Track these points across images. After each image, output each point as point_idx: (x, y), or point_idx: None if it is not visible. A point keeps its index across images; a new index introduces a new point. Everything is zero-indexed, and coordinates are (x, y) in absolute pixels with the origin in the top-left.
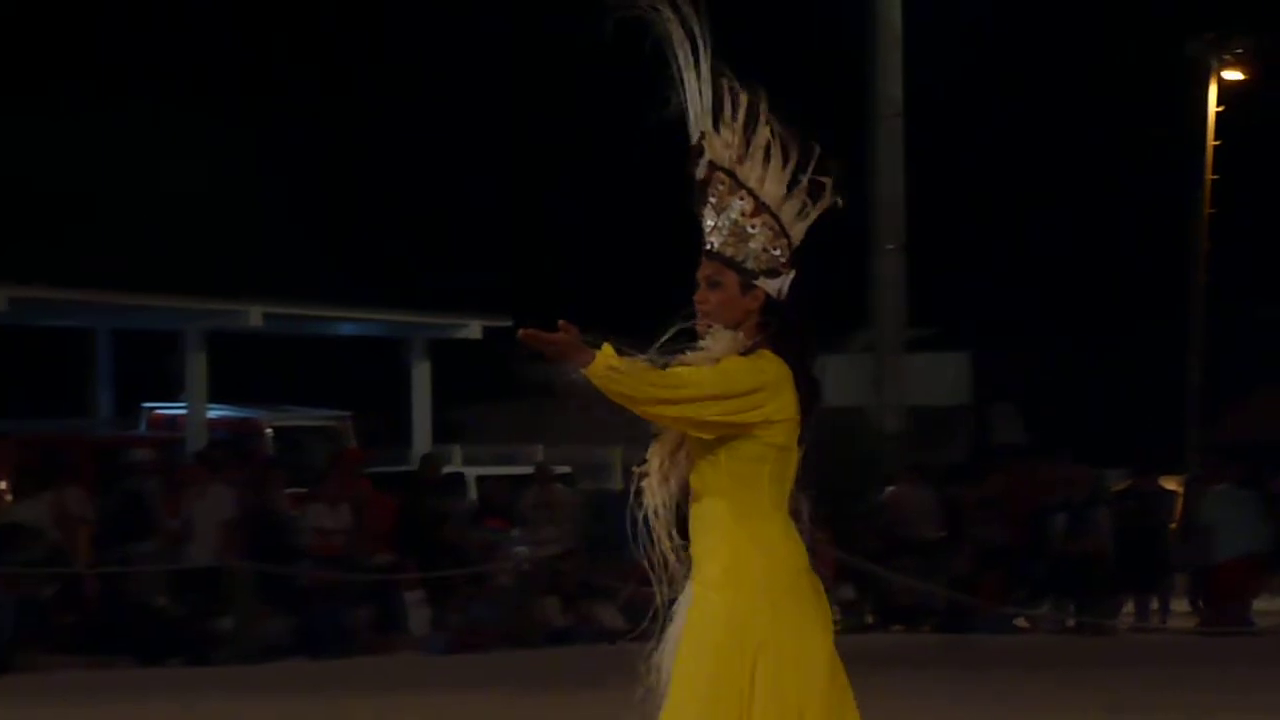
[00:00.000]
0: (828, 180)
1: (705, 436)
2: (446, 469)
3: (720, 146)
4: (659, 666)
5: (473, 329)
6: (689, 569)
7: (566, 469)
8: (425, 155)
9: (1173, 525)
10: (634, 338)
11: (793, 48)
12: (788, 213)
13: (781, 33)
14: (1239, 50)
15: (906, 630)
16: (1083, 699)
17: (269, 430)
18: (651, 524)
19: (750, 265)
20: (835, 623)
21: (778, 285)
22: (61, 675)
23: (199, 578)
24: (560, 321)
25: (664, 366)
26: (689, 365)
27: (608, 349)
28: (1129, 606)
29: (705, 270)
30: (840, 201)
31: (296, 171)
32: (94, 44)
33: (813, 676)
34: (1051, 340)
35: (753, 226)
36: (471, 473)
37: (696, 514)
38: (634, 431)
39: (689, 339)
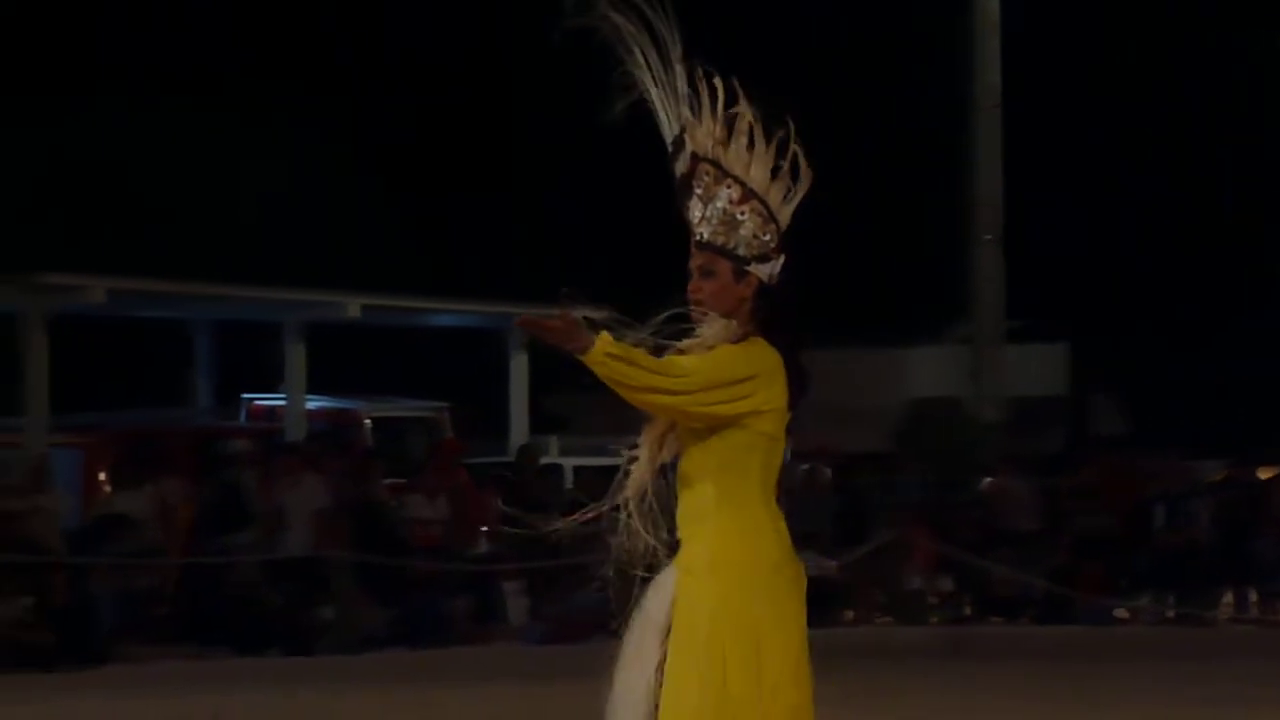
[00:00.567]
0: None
1: (696, 425)
2: (544, 460)
3: (702, 137)
4: (625, 644)
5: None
6: (670, 552)
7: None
8: (523, 146)
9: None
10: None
11: (889, 39)
12: (774, 197)
13: (878, 23)
14: None
15: (1005, 622)
16: (1181, 691)
17: (367, 421)
18: (630, 507)
19: (742, 252)
20: (934, 614)
21: (769, 270)
22: (160, 666)
23: (298, 568)
24: (559, 308)
25: (659, 353)
26: (683, 354)
27: (605, 336)
28: (1228, 598)
29: (697, 260)
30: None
31: (395, 163)
32: (193, 41)
33: (789, 666)
34: (1151, 331)
35: (742, 213)
36: (569, 463)
37: (685, 499)
38: None
39: (683, 325)
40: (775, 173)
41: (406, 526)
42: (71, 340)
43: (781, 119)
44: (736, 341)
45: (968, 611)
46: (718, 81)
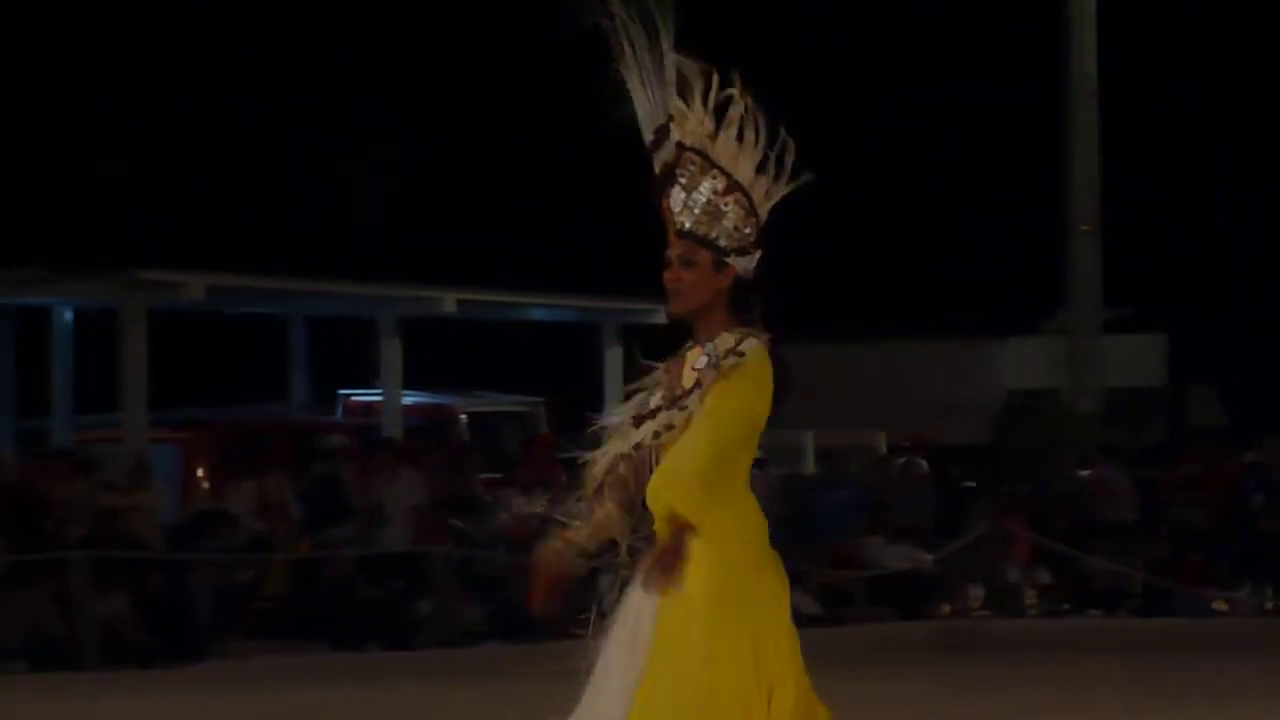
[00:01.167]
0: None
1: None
2: None
3: (691, 127)
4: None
5: (661, 315)
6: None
7: (758, 454)
8: (618, 140)
9: None
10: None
11: (986, 29)
12: (758, 192)
13: (975, 13)
14: None
15: (1103, 615)
16: None
17: (463, 416)
18: (599, 490)
19: (723, 243)
20: (1031, 607)
21: (746, 264)
22: (258, 661)
23: (396, 563)
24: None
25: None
26: (689, 440)
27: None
28: None
29: (677, 250)
30: (808, 177)
31: (490, 158)
32: (293, 37)
33: (784, 645)
34: (1249, 321)
35: (725, 205)
36: None
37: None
38: (827, 416)
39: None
40: (761, 168)
41: (503, 521)
42: (170, 336)
43: (775, 114)
44: (739, 350)
45: (1065, 604)
46: (711, 73)
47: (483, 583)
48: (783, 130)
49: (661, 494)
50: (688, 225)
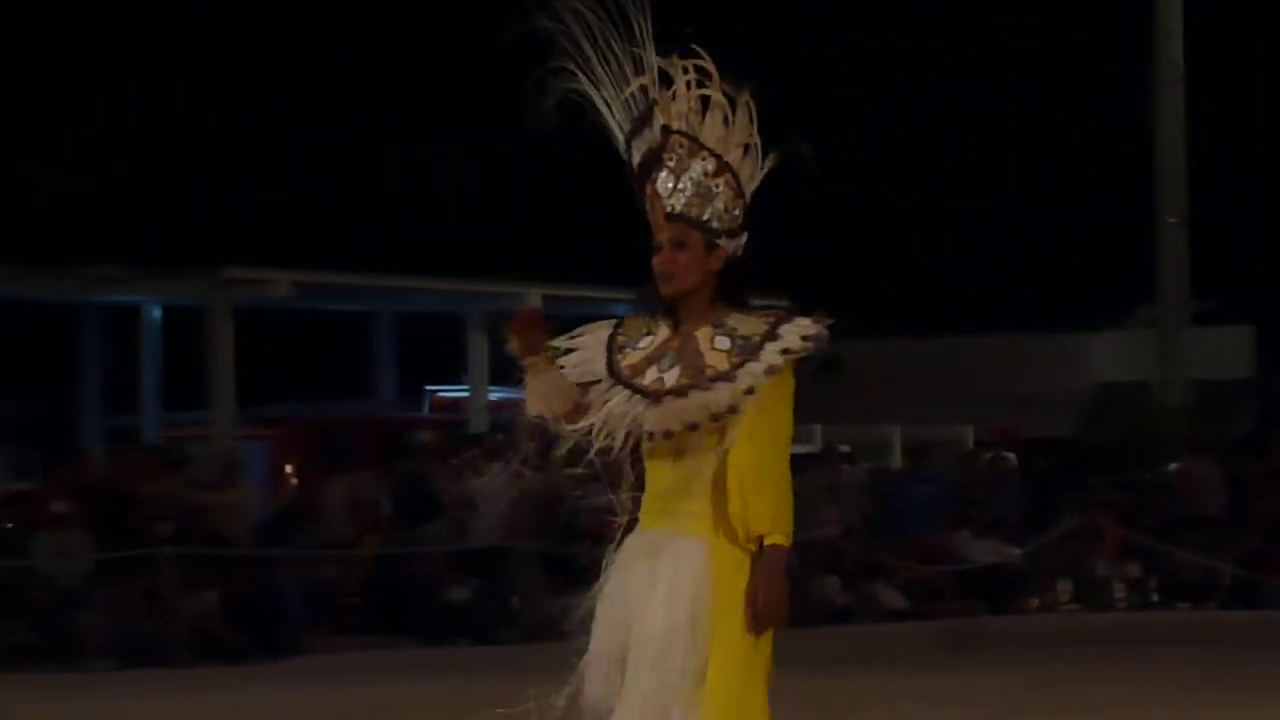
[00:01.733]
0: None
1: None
2: None
3: (676, 111)
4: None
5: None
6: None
7: (846, 448)
8: None
9: None
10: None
11: (1072, 18)
12: (744, 174)
13: (1061, 4)
14: None
15: (1192, 608)
16: None
17: None
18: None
19: (715, 224)
20: (1120, 601)
21: (736, 246)
22: (348, 656)
23: (484, 559)
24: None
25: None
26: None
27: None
28: None
29: (667, 233)
30: (805, 159)
31: (575, 154)
32: (378, 36)
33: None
34: None
35: (716, 186)
36: None
37: (682, 468)
38: (914, 410)
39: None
40: (747, 149)
41: (590, 516)
42: (257, 333)
43: (755, 97)
44: (789, 348)
45: (1154, 598)
46: (693, 58)
47: (570, 578)
48: (754, 109)
49: (754, 512)
50: (678, 208)
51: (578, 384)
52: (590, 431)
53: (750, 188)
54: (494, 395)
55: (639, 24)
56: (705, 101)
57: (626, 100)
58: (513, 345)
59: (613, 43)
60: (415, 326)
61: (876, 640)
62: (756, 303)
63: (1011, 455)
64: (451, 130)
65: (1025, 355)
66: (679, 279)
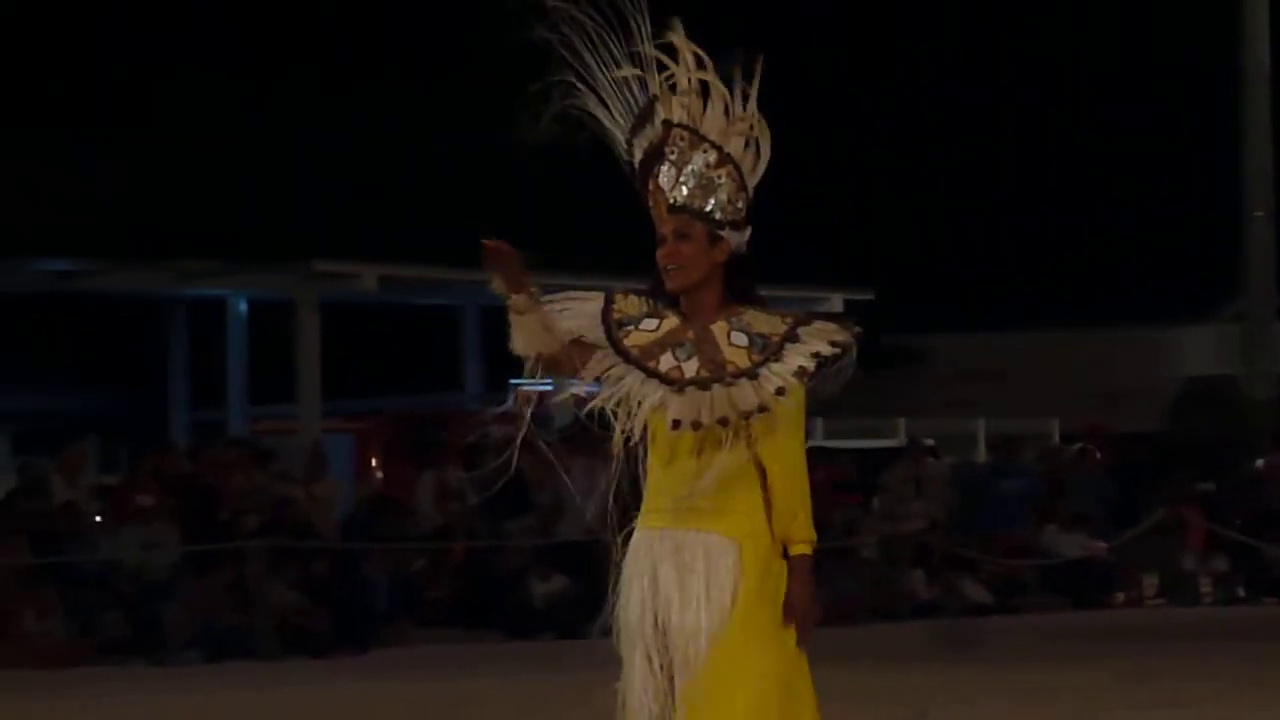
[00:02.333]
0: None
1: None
2: (810, 443)
3: (677, 104)
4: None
5: (834, 301)
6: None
7: (930, 441)
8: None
9: None
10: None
11: (1159, 13)
12: (746, 166)
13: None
14: None
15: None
16: None
17: None
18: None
19: (718, 216)
20: (1207, 595)
21: (740, 239)
22: (433, 649)
23: (570, 553)
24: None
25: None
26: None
27: (807, 540)
28: None
29: (670, 225)
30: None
31: None
32: (464, 33)
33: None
34: None
35: (719, 178)
36: (834, 446)
37: (709, 463)
38: (1000, 404)
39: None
40: (748, 142)
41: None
42: (344, 327)
43: (751, 88)
44: (817, 352)
45: (1241, 593)
46: (694, 51)
47: None
48: (755, 103)
49: (787, 519)
50: (680, 200)
51: (573, 338)
52: (598, 397)
53: (753, 180)
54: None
55: (637, 22)
56: (705, 92)
57: (626, 99)
58: (495, 285)
59: (611, 45)
60: (501, 320)
61: (961, 635)
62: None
63: (1098, 449)
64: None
65: (1112, 349)
66: (684, 271)
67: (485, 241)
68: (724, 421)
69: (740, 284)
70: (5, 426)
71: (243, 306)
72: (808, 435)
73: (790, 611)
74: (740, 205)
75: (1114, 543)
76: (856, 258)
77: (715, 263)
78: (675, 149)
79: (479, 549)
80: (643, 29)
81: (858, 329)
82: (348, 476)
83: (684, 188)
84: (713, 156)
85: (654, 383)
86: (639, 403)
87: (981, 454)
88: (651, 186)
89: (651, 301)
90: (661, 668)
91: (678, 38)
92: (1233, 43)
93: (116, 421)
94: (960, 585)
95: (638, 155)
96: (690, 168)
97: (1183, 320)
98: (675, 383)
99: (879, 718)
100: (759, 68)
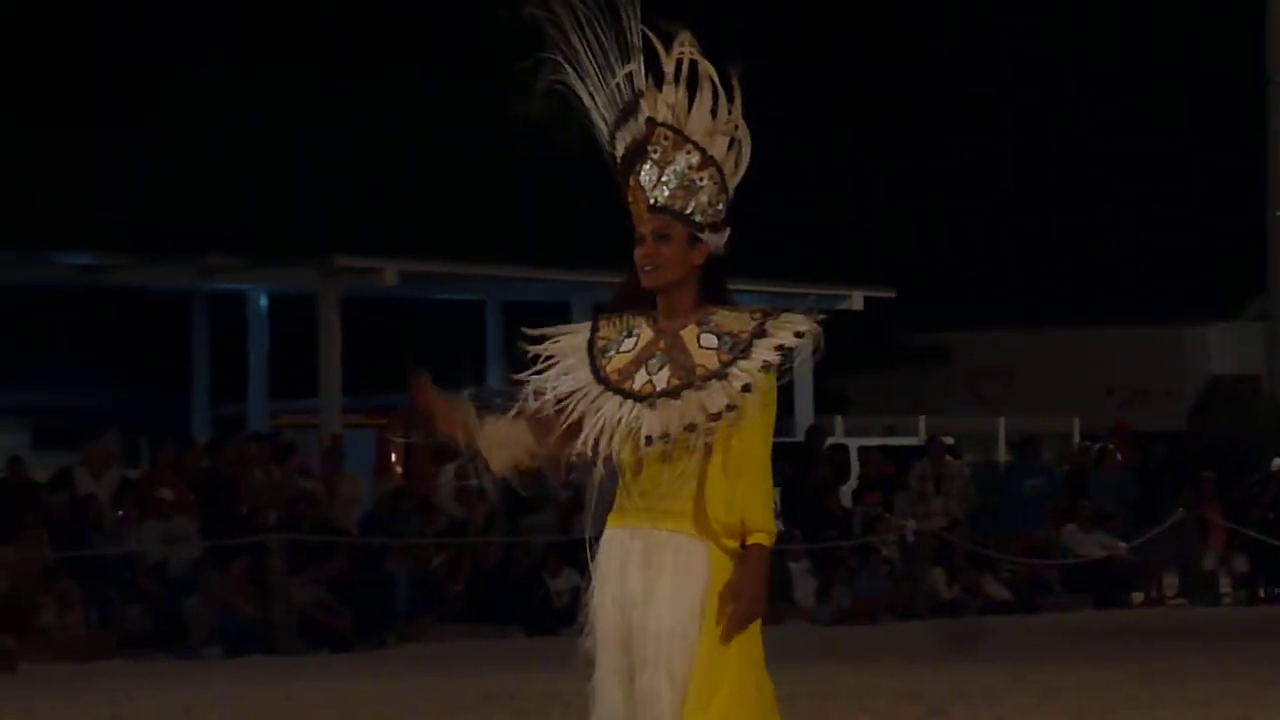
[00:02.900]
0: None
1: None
2: (830, 441)
3: (662, 103)
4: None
5: (854, 299)
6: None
7: (950, 440)
8: (792, 128)
9: None
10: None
11: (1184, 13)
12: (729, 168)
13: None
14: None
15: None
16: None
17: None
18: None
19: (698, 218)
20: (1227, 595)
21: (719, 241)
22: (453, 645)
23: (589, 549)
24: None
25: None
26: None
27: (765, 535)
28: None
29: (650, 225)
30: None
31: None
32: (476, 30)
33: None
34: None
35: (700, 179)
36: (854, 444)
37: (673, 469)
38: (1021, 402)
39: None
40: (732, 143)
41: None
42: (365, 322)
43: (741, 87)
44: (782, 345)
45: (1261, 592)
46: (684, 49)
47: None
48: (737, 100)
49: (740, 510)
50: (661, 200)
51: (558, 401)
52: (586, 446)
53: (734, 182)
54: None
55: (627, 13)
56: (692, 93)
57: (611, 91)
58: (436, 435)
59: (600, 31)
60: (522, 315)
61: (983, 633)
62: (738, 299)
63: (1119, 448)
64: (556, 116)
65: (1135, 348)
66: (662, 272)
67: (411, 401)
68: (691, 428)
69: (715, 285)
70: (26, 420)
71: (264, 301)
72: (828, 433)
73: (726, 598)
74: (720, 208)
75: (1134, 542)
76: (878, 256)
77: (693, 264)
78: (658, 148)
79: (499, 545)
80: (633, 20)
81: (823, 316)
82: (369, 472)
83: (665, 188)
84: (696, 158)
85: (629, 404)
86: (614, 428)
87: (1002, 453)
88: (632, 183)
89: (631, 316)
90: (629, 667)
91: (676, 29)
92: (1258, 45)
93: (137, 416)
94: (981, 584)
95: (620, 150)
96: (673, 168)
97: (1205, 319)
98: (647, 398)
99: (900, 716)
100: (740, 73)
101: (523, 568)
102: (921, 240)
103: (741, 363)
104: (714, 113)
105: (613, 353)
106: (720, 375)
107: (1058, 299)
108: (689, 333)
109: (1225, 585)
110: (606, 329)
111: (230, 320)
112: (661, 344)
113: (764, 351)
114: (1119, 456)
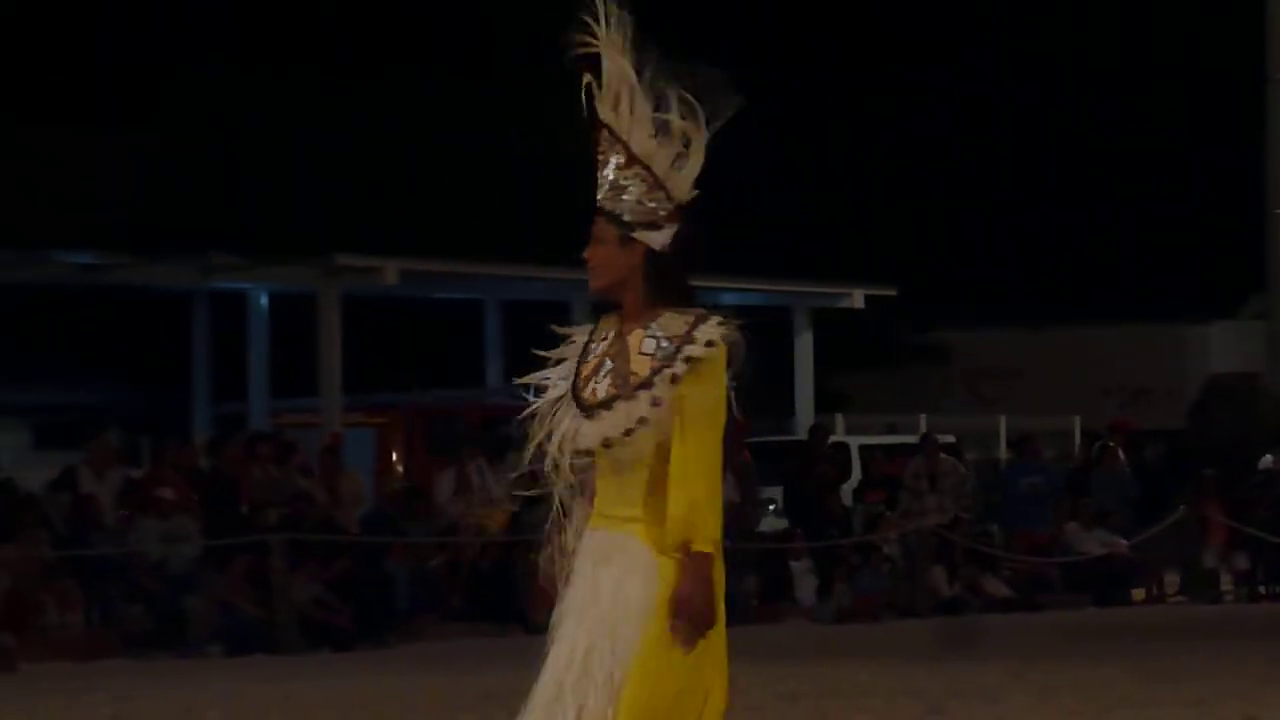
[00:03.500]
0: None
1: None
2: (831, 439)
3: (603, 102)
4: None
5: (855, 298)
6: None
7: (950, 438)
8: (805, 127)
9: None
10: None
11: (1182, 13)
12: (660, 163)
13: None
14: None
15: None
16: None
17: None
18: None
19: (627, 218)
20: (1228, 592)
21: (660, 239)
22: (455, 644)
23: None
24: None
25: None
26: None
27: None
28: None
29: (594, 227)
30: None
31: None
32: (488, 25)
33: (720, 649)
34: None
35: (626, 179)
36: (855, 442)
37: (633, 477)
38: (1021, 400)
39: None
40: (662, 134)
41: None
42: (365, 321)
43: (685, 83)
44: (708, 341)
45: (1262, 589)
46: (617, 47)
47: None
48: (682, 90)
49: (683, 518)
50: (598, 201)
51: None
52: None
53: (678, 177)
54: None
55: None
56: (619, 91)
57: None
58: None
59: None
60: (522, 314)
61: (981, 631)
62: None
63: (1120, 446)
64: (562, 116)
65: (1135, 346)
66: (597, 274)
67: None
68: (628, 434)
69: (663, 285)
70: (27, 419)
71: (264, 300)
72: (828, 430)
73: (673, 610)
74: (654, 204)
75: (1135, 540)
76: (879, 255)
77: (630, 265)
78: (602, 150)
79: (500, 543)
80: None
81: (740, 322)
82: (370, 471)
83: (602, 190)
84: (622, 158)
85: (579, 415)
86: (562, 440)
87: (1003, 451)
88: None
89: (613, 318)
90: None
91: (611, 37)
92: (1258, 45)
93: (138, 414)
94: (982, 582)
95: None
96: (605, 170)
97: (1206, 318)
98: (590, 409)
99: (901, 714)
100: (697, 73)
101: (523, 568)
102: (922, 240)
103: (665, 371)
104: (633, 107)
105: (591, 355)
106: (648, 384)
107: (1058, 298)
108: (635, 337)
109: (1226, 583)
110: (601, 327)
111: (231, 319)
112: (613, 350)
113: (678, 363)
114: (1120, 454)
